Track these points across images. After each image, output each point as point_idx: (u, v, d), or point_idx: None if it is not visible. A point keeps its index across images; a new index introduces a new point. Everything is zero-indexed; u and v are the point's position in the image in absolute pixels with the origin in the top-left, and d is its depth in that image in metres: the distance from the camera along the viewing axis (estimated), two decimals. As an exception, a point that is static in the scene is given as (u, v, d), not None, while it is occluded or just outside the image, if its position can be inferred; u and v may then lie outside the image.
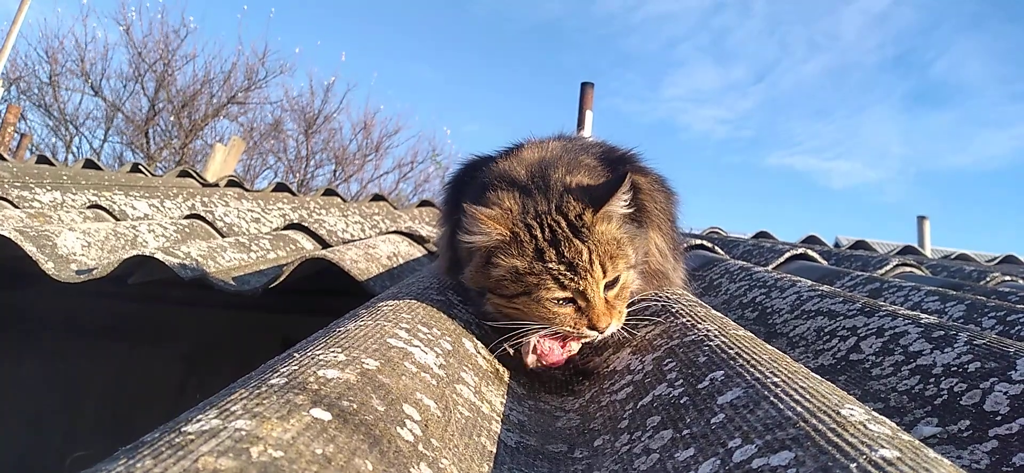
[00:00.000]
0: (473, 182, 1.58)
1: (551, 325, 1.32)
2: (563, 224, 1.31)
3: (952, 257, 5.36)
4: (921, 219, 9.12)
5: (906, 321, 1.46)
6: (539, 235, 1.31)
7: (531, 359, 1.33)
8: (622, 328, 1.38)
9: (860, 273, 2.68)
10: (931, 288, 2.19)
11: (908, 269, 3.34)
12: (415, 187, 20.26)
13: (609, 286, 1.33)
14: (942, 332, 1.34)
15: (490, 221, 1.31)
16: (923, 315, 1.49)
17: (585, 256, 1.29)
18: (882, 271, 3.24)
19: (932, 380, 1.22)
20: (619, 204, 1.36)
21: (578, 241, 1.30)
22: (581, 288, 1.29)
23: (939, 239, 9.53)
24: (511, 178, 1.47)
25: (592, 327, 1.31)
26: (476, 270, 1.38)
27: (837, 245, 6.60)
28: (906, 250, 5.22)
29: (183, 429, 0.62)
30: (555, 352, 1.34)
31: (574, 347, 1.37)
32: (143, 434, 0.65)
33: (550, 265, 1.29)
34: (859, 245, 5.17)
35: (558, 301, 1.30)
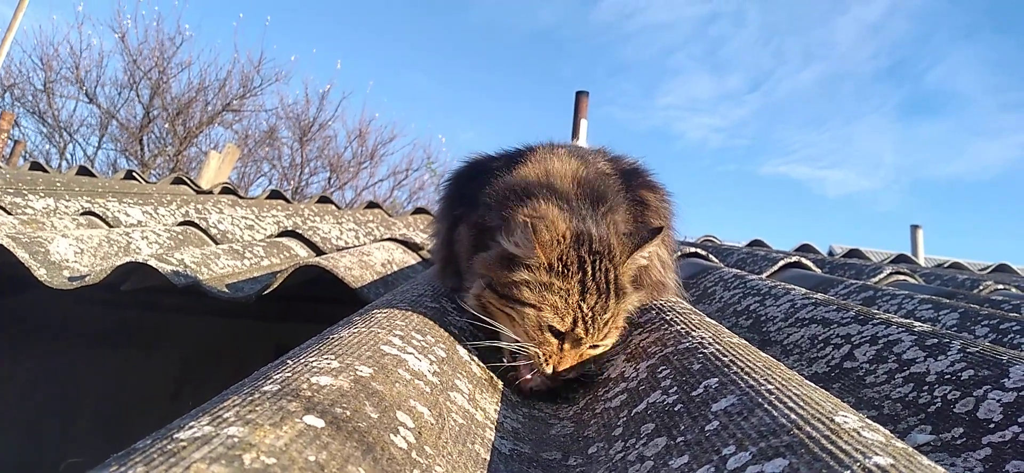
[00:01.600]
0: (484, 189, 1.52)
1: (524, 341, 1.28)
2: (612, 276, 1.29)
3: (945, 266, 5.38)
4: (915, 228, 9.16)
5: (900, 329, 1.46)
6: (589, 272, 1.27)
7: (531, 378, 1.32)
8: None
9: (854, 281, 2.69)
10: (924, 296, 2.20)
11: (902, 277, 3.35)
12: (410, 195, 20.25)
13: (594, 346, 1.30)
14: (936, 340, 1.35)
15: (539, 246, 1.26)
16: (916, 323, 1.49)
17: (606, 317, 1.27)
18: (876, 279, 3.25)
19: (926, 388, 1.23)
20: (642, 256, 1.35)
21: (613, 300, 1.28)
22: (580, 337, 1.26)
23: (932, 248, 9.56)
24: (560, 193, 1.41)
25: (554, 369, 1.27)
26: (495, 260, 1.34)
27: (831, 254, 6.62)
28: (900, 259, 5.24)
29: (175, 436, 0.61)
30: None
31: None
32: (136, 440, 0.64)
33: (584, 308, 1.26)
34: (853, 254, 5.18)
35: (552, 330, 1.27)
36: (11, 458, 3.96)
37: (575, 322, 1.26)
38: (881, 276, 3.30)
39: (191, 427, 0.63)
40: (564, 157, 1.61)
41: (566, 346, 1.27)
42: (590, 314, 1.26)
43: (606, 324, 1.27)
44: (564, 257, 1.27)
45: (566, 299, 1.26)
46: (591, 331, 1.26)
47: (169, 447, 0.59)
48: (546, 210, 1.35)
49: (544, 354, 1.27)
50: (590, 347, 1.30)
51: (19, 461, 3.96)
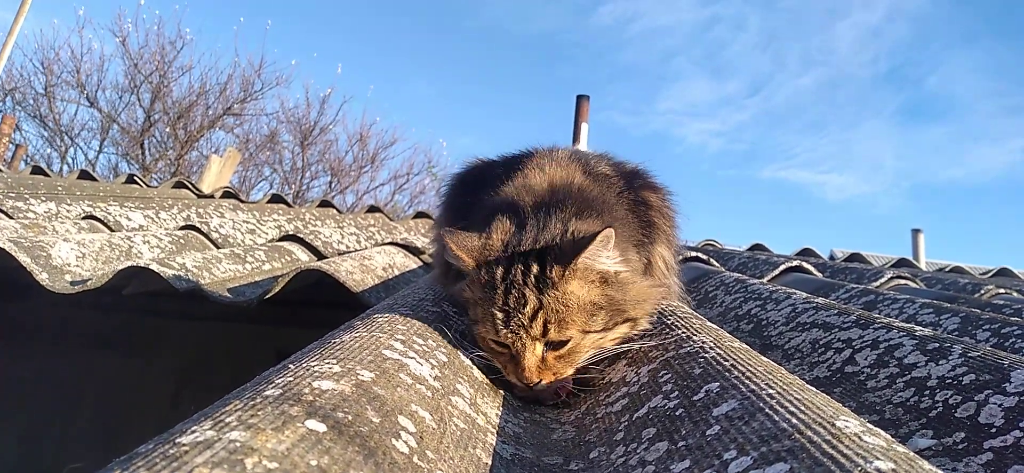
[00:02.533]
0: (481, 198, 1.55)
1: (492, 359, 1.30)
2: (533, 270, 1.26)
3: (947, 270, 5.37)
4: (916, 232, 9.16)
5: (901, 333, 1.46)
6: (499, 274, 1.27)
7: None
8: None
9: (855, 286, 2.69)
10: (926, 301, 2.20)
11: (903, 282, 3.35)
12: (411, 199, 20.32)
13: (554, 346, 1.26)
14: (937, 344, 1.35)
15: (459, 251, 1.30)
16: (918, 327, 1.50)
17: (527, 310, 1.23)
18: (877, 284, 3.25)
19: (927, 392, 1.22)
20: (601, 259, 1.28)
21: (532, 292, 1.24)
22: (510, 342, 1.25)
23: (934, 252, 9.57)
24: (516, 208, 1.41)
25: (518, 378, 1.26)
26: (464, 285, 1.37)
27: (832, 258, 6.62)
28: (901, 263, 5.24)
29: (177, 441, 0.61)
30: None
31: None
32: (137, 445, 0.64)
33: (494, 309, 1.25)
34: (854, 258, 5.18)
35: (496, 343, 1.28)
36: (10, 462, 3.96)
37: (495, 326, 1.25)
38: (882, 280, 3.30)
39: (193, 432, 0.63)
40: (558, 164, 1.59)
41: (514, 355, 1.26)
42: (503, 316, 1.25)
43: (534, 319, 1.23)
44: (490, 266, 1.29)
45: (485, 307, 1.27)
46: (510, 331, 1.24)
47: (171, 452, 0.59)
48: (496, 224, 1.36)
49: (502, 364, 1.28)
50: (547, 348, 1.26)
51: (18, 465, 3.96)
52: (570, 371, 1.29)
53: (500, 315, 1.24)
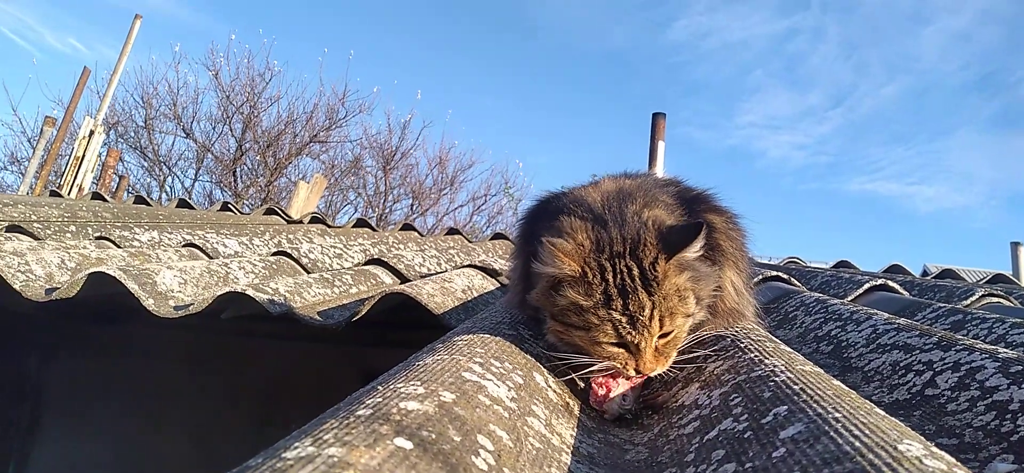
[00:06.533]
0: (547, 212, 1.61)
1: (601, 359, 1.36)
2: (635, 272, 1.33)
3: (1048, 286, 5.10)
4: (1015, 245, 8.72)
5: (983, 355, 1.44)
6: (610, 279, 1.33)
7: (593, 399, 1.39)
8: (687, 363, 1.41)
9: (943, 305, 2.61)
10: (1017, 320, 2.13)
11: (995, 300, 3.22)
12: (488, 219, 20.60)
13: (663, 336, 1.36)
14: (1020, 367, 1.32)
15: (564, 255, 1.34)
16: (1001, 349, 1.47)
17: (647, 312, 1.31)
18: (966, 302, 3.14)
19: (1008, 416, 1.21)
20: (693, 252, 1.37)
21: (645, 294, 1.32)
22: (636, 341, 1.32)
23: (1036, 266, 9.06)
24: (587, 205, 1.50)
25: (638, 371, 1.35)
26: (542, 293, 1.42)
27: (925, 273, 6.37)
28: (996, 279, 5.01)
29: (283, 455, 0.69)
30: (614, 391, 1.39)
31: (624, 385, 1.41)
32: (231, 455, 0.72)
33: (614, 314, 1.32)
34: (946, 274, 4.99)
35: (612, 344, 1.35)
36: (107, 470, 4.22)
37: (619, 331, 1.32)
38: (973, 299, 3.19)
39: (296, 447, 0.71)
40: (615, 179, 1.68)
41: (634, 351, 1.34)
42: (627, 319, 1.31)
43: (652, 318, 1.31)
44: (587, 267, 1.35)
45: (598, 312, 1.33)
46: (637, 331, 1.31)
47: (278, 465, 0.67)
48: (568, 223, 1.44)
49: (621, 362, 1.35)
50: (660, 338, 1.35)
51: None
52: (672, 354, 1.39)
53: (626, 320, 1.32)
